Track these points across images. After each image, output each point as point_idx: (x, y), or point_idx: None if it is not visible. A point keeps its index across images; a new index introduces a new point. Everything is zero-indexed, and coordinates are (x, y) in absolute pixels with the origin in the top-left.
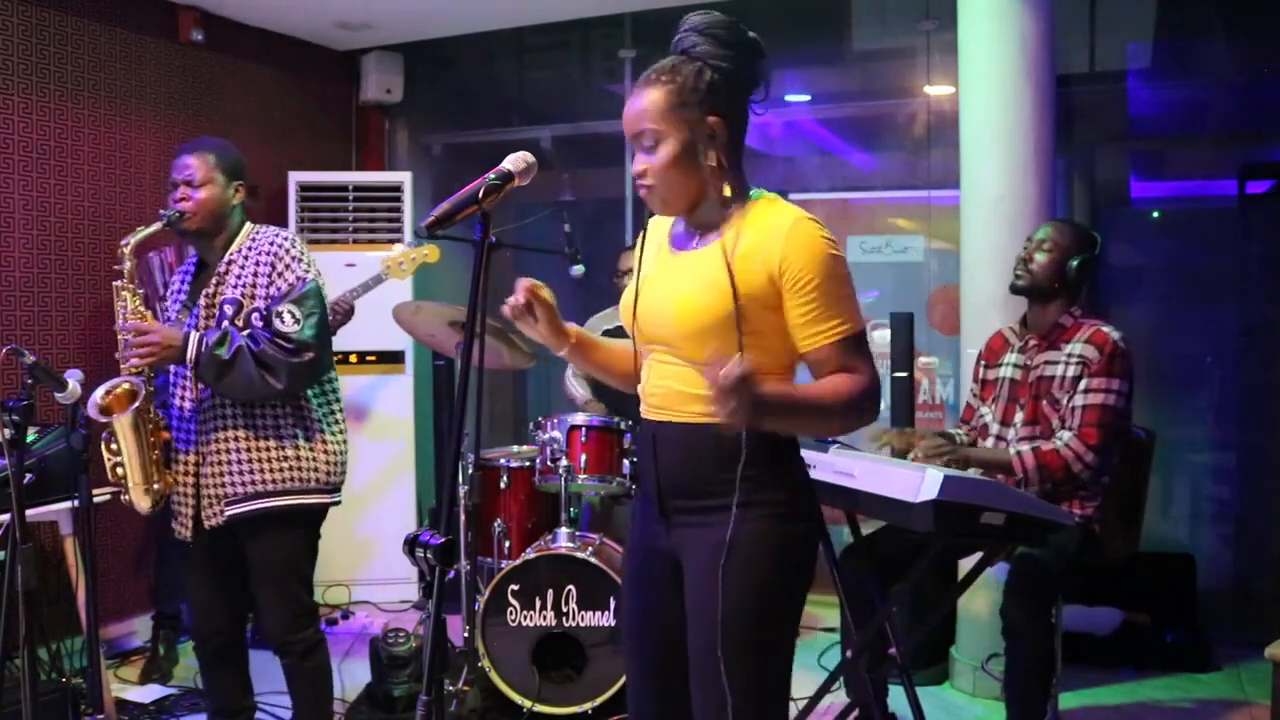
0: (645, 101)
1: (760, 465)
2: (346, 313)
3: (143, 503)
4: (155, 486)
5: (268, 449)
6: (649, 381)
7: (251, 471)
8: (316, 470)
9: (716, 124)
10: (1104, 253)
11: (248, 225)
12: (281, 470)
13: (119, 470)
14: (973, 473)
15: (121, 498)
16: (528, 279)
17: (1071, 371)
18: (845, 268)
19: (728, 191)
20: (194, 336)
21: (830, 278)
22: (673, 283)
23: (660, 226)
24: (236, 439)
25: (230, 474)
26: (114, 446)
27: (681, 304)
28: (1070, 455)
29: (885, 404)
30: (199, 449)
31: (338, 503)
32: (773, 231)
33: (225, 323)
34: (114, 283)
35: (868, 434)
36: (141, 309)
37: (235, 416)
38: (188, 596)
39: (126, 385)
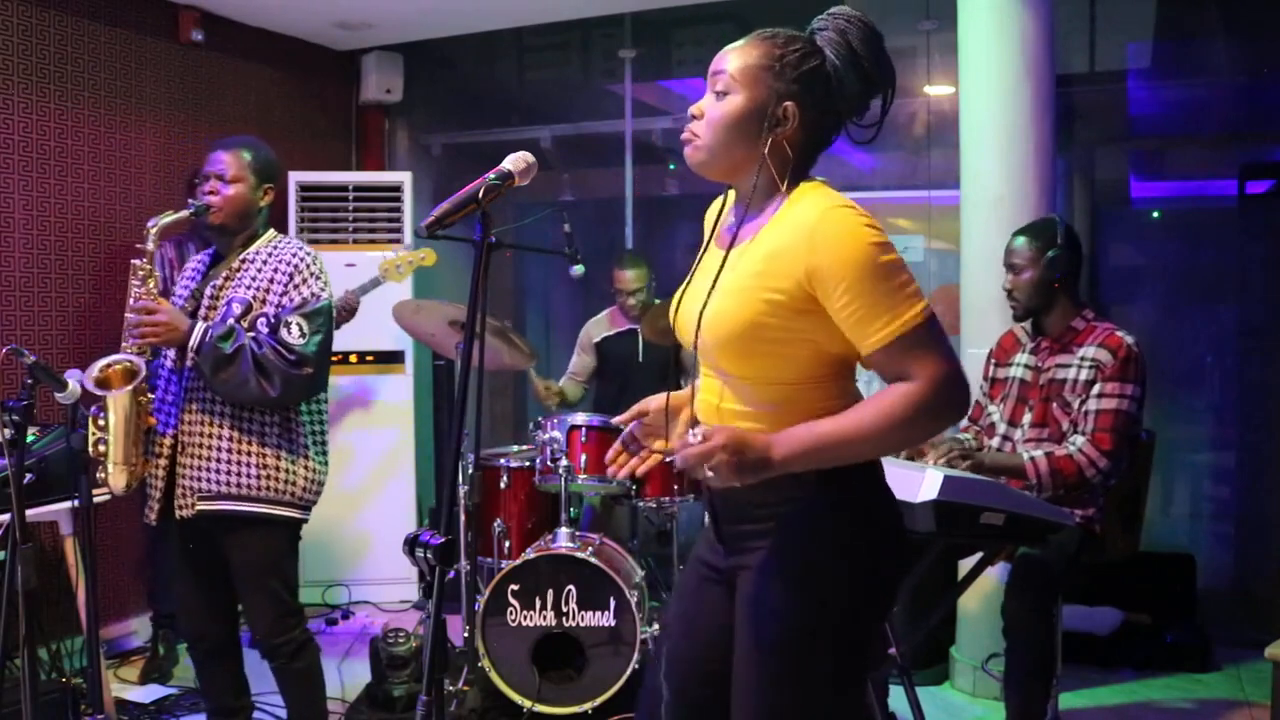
0: (741, 48)
1: (815, 486)
2: (351, 310)
3: (119, 481)
4: (135, 468)
5: (249, 453)
6: (699, 393)
7: (229, 471)
8: (294, 485)
9: (791, 110)
10: (1103, 252)
11: (271, 231)
12: (260, 477)
13: (101, 446)
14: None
15: (97, 474)
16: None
17: (1084, 375)
18: (885, 255)
19: (768, 179)
20: (200, 325)
21: (865, 275)
22: (703, 284)
23: (713, 214)
24: (220, 435)
25: (208, 469)
26: (101, 422)
27: (706, 310)
28: (1084, 460)
29: None
30: (178, 436)
31: (306, 521)
32: (800, 228)
33: (231, 320)
34: (133, 260)
35: None
36: (154, 291)
37: (222, 415)
38: (176, 597)
39: (126, 362)
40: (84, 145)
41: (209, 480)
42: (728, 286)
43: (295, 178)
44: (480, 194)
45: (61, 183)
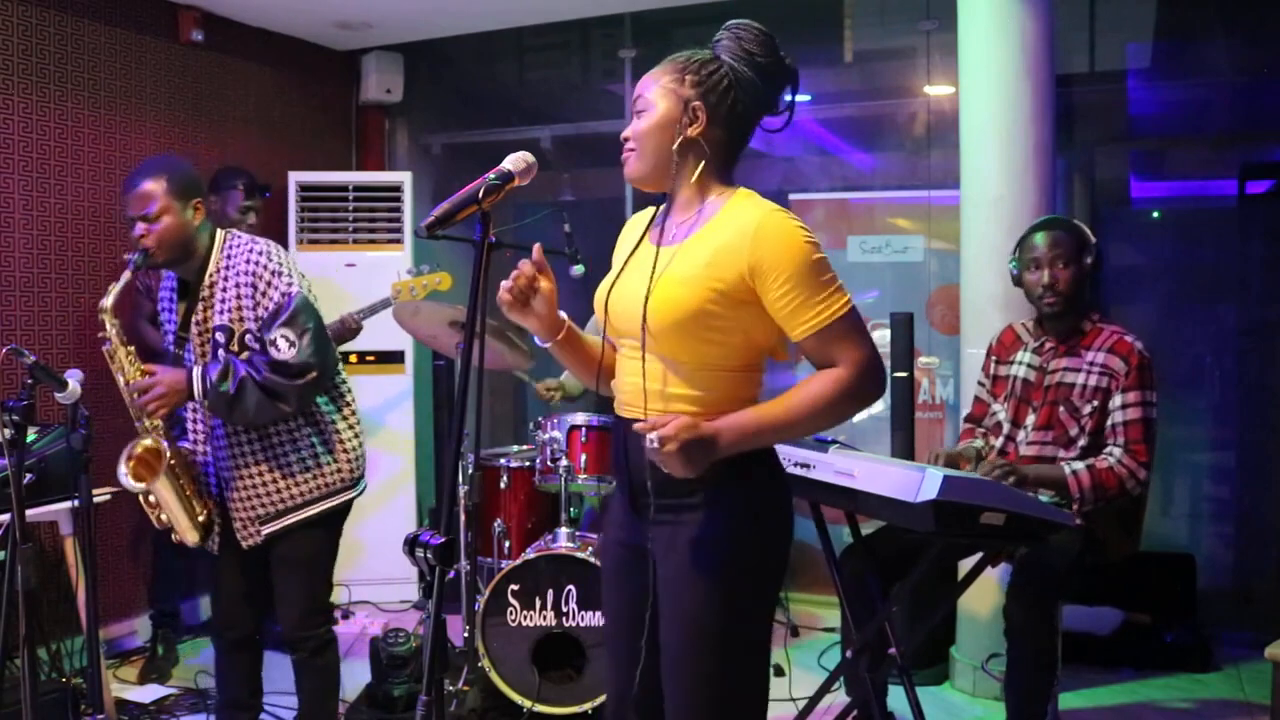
0: (653, 74)
1: (731, 463)
2: (354, 331)
3: (192, 537)
4: (200, 520)
5: (290, 468)
6: (621, 378)
7: (279, 491)
8: (340, 473)
9: (699, 108)
10: (1104, 252)
11: (219, 235)
12: (307, 483)
13: (163, 518)
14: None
15: (173, 537)
16: (535, 259)
17: (1093, 381)
18: (817, 254)
19: (694, 178)
20: (196, 373)
21: (802, 268)
22: (643, 275)
23: (637, 225)
24: (259, 466)
25: (258, 497)
26: (151, 499)
27: (650, 297)
28: (1124, 473)
29: (885, 404)
30: (220, 473)
31: (362, 491)
32: (743, 228)
33: (221, 351)
34: (104, 348)
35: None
36: (137, 364)
37: (252, 442)
38: (212, 585)
39: (147, 442)
40: (84, 145)
41: (262, 506)
42: (676, 276)
43: (295, 178)
44: (480, 194)
45: (61, 183)
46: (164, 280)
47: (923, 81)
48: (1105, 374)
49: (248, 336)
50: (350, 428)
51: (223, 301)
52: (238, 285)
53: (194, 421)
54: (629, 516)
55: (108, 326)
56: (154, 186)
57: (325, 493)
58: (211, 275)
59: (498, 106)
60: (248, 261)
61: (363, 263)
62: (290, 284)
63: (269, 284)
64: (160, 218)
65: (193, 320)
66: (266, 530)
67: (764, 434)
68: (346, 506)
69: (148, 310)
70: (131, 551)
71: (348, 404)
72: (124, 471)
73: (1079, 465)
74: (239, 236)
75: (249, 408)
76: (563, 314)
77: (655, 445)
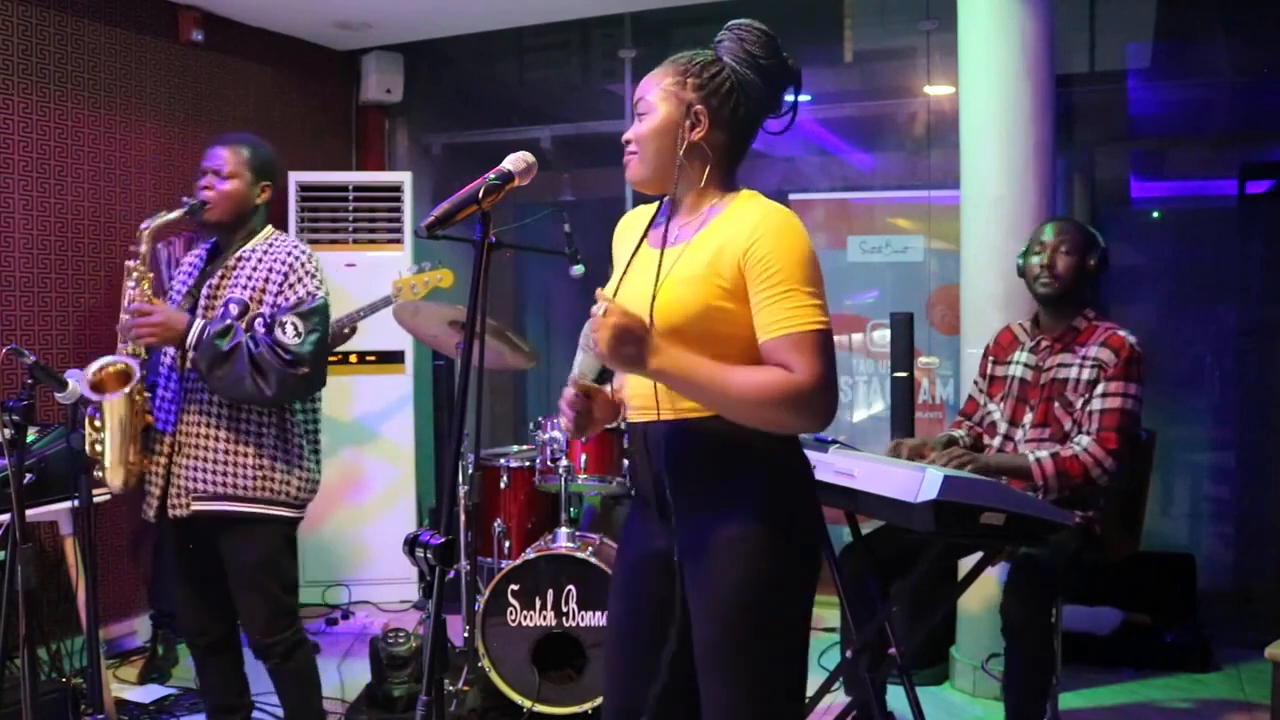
0: (654, 75)
1: (757, 459)
2: (344, 337)
3: (116, 479)
4: (133, 466)
5: (244, 455)
6: (632, 382)
7: (224, 473)
8: (288, 487)
9: (701, 112)
10: (1106, 252)
11: (269, 228)
12: (254, 479)
13: (98, 446)
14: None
15: (95, 473)
16: (570, 394)
17: (1086, 375)
18: (812, 268)
19: (703, 182)
20: (198, 323)
21: (791, 267)
22: (646, 278)
23: (632, 223)
24: (216, 437)
25: (203, 469)
26: (97, 423)
27: (660, 298)
28: (1090, 461)
29: (885, 404)
30: (176, 435)
31: (300, 519)
32: (745, 222)
33: (229, 320)
34: (127, 262)
35: (885, 449)
36: (148, 292)
37: (219, 415)
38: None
39: (121, 365)
40: (84, 145)
41: (204, 481)
42: (680, 277)
43: (295, 178)
44: (480, 194)
45: (61, 183)
46: (194, 249)
47: (923, 81)
48: (1096, 366)
49: (258, 320)
50: (313, 455)
51: (249, 278)
52: (269, 269)
53: (165, 387)
54: (653, 524)
55: (141, 246)
56: (234, 151)
57: (264, 497)
58: (244, 251)
59: (498, 106)
60: (289, 254)
61: (363, 263)
62: (319, 288)
63: (299, 279)
64: (229, 178)
65: (207, 282)
66: (195, 506)
67: (695, 383)
68: (286, 522)
69: None
70: (131, 551)
71: (316, 434)
72: (88, 374)
73: (1043, 454)
74: (288, 238)
75: (231, 372)
76: (607, 389)
77: (600, 313)
